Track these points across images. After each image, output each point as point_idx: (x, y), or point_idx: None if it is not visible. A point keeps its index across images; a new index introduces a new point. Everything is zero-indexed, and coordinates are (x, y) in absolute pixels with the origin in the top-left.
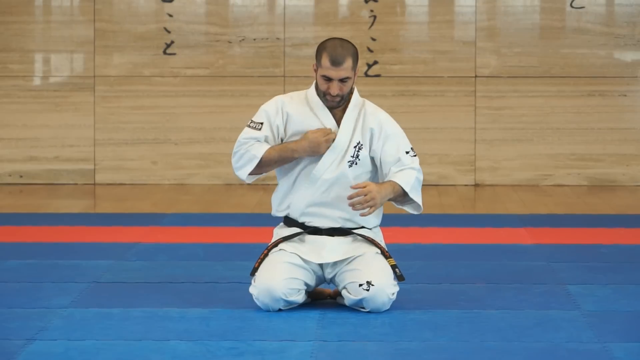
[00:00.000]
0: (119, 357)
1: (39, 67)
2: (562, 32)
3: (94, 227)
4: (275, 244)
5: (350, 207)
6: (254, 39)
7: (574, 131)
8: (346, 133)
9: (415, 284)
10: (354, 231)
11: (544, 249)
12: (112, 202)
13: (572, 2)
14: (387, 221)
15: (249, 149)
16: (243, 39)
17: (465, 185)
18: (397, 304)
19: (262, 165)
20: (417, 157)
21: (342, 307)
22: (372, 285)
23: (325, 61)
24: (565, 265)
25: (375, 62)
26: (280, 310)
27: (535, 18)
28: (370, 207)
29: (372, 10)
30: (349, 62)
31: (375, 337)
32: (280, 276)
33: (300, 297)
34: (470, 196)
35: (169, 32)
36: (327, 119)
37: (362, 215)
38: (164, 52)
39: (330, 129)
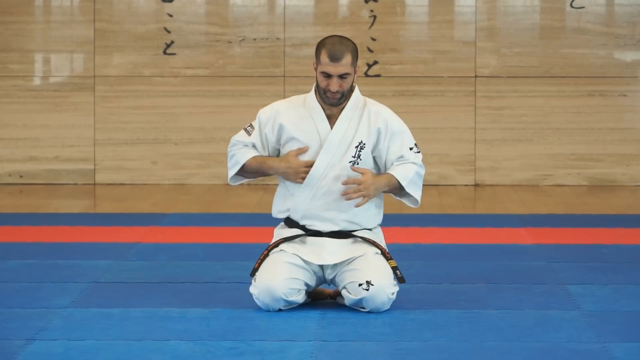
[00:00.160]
0: (119, 357)
1: (39, 67)
2: (562, 32)
3: (94, 227)
4: (276, 245)
5: (356, 213)
6: (254, 39)
7: (574, 131)
8: (340, 132)
9: (415, 284)
10: (355, 233)
11: (544, 249)
12: (112, 202)
13: (572, 2)
14: (387, 221)
15: (236, 152)
16: (243, 39)
17: (465, 185)
18: (397, 304)
19: (245, 172)
20: (420, 154)
21: (342, 307)
22: (372, 285)
23: (324, 57)
24: (565, 265)
25: (375, 62)
26: (280, 310)
27: (535, 18)
28: (364, 196)
29: (372, 10)
30: (348, 58)
31: (375, 337)
32: (281, 276)
33: (300, 297)
34: (470, 196)
35: (169, 32)
36: (322, 124)
37: (356, 205)
38: (164, 52)
39: (312, 163)
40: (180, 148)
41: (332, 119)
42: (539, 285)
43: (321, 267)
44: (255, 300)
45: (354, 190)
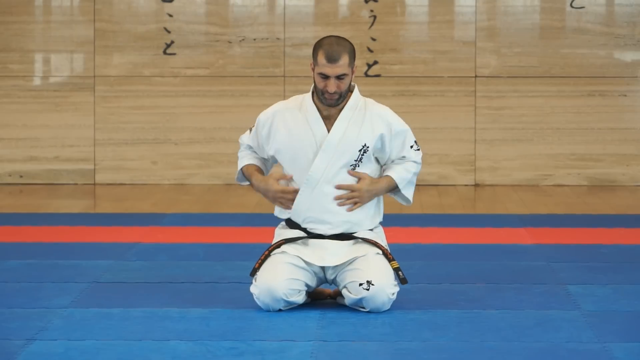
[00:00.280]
0: (119, 357)
1: (39, 67)
2: (562, 32)
3: (94, 227)
4: (278, 245)
5: (356, 213)
6: (254, 39)
7: (574, 131)
8: (339, 132)
9: (415, 284)
10: (357, 234)
11: (544, 249)
12: (112, 202)
13: (572, 2)
14: (387, 221)
15: (240, 155)
16: (243, 39)
17: (465, 185)
18: (397, 304)
19: (244, 176)
20: (420, 151)
21: (342, 307)
22: (372, 284)
23: (322, 58)
24: (565, 265)
25: (375, 62)
26: (280, 310)
27: (535, 18)
28: (355, 203)
29: (372, 10)
30: (345, 59)
31: (375, 337)
32: (282, 277)
33: (300, 298)
34: (470, 196)
35: (169, 32)
36: (318, 127)
37: (348, 210)
38: (164, 52)
39: (293, 193)
40: (180, 148)
41: (330, 120)
42: (539, 285)
43: (322, 268)
44: (256, 300)
45: (348, 197)
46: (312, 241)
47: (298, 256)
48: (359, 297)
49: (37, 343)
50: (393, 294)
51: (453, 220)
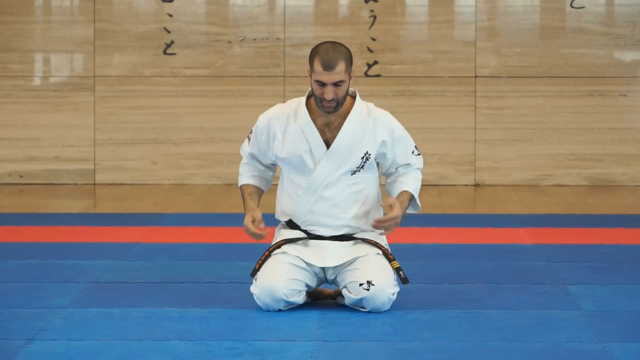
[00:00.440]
0: (119, 357)
1: (39, 67)
2: (562, 32)
3: (94, 227)
4: (278, 246)
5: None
6: (254, 39)
7: (574, 131)
8: (344, 140)
9: (415, 284)
10: (357, 235)
11: (544, 249)
12: (112, 202)
13: (572, 2)
14: None
15: (241, 172)
16: (243, 39)
17: (465, 185)
18: (397, 304)
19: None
20: (420, 156)
21: (342, 307)
22: (373, 285)
23: (318, 66)
24: (565, 265)
25: (375, 62)
26: (280, 310)
27: (535, 18)
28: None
29: (372, 10)
30: (341, 66)
31: (375, 337)
32: (282, 277)
33: (300, 298)
34: (470, 196)
35: (169, 32)
36: (314, 140)
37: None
38: (164, 52)
39: (258, 236)
40: (180, 148)
41: (330, 127)
42: (539, 285)
43: (322, 268)
44: (256, 300)
45: (389, 225)
46: (312, 242)
47: (298, 256)
48: (359, 297)
49: (37, 343)
50: (393, 294)
51: (453, 220)
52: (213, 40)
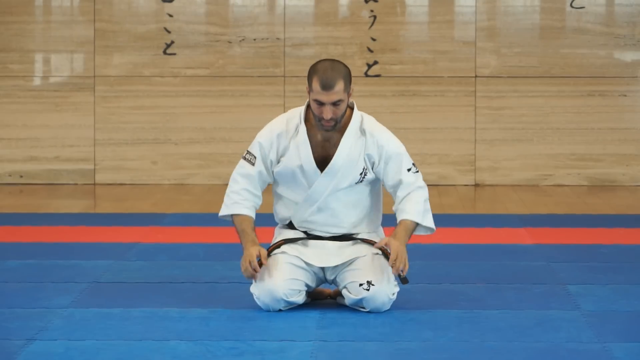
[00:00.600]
0: (119, 357)
1: (39, 67)
2: (562, 32)
3: (94, 227)
4: (278, 245)
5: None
6: (254, 39)
7: (574, 131)
8: (341, 158)
9: (415, 284)
10: (357, 235)
11: (544, 249)
12: (112, 202)
13: (572, 2)
14: (388, 221)
15: (236, 200)
16: (243, 39)
17: (465, 185)
18: (397, 304)
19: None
20: (419, 173)
21: (342, 307)
22: (373, 285)
23: (316, 85)
24: (565, 265)
25: (375, 62)
26: (280, 310)
27: (535, 18)
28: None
29: (372, 10)
30: (340, 85)
31: (375, 337)
32: (282, 277)
33: (300, 298)
34: (470, 196)
35: (169, 32)
36: (306, 159)
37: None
38: (164, 52)
39: (255, 273)
40: (180, 148)
41: (330, 142)
42: (539, 285)
43: (322, 268)
44: (256, 300)
45: (398, 265)
46: (312, 241)
47: (298, 256)
48: (359, 297)
49: (37, 343)
50: (393, 294)
51: (453, 220)
52: (213, 40)
